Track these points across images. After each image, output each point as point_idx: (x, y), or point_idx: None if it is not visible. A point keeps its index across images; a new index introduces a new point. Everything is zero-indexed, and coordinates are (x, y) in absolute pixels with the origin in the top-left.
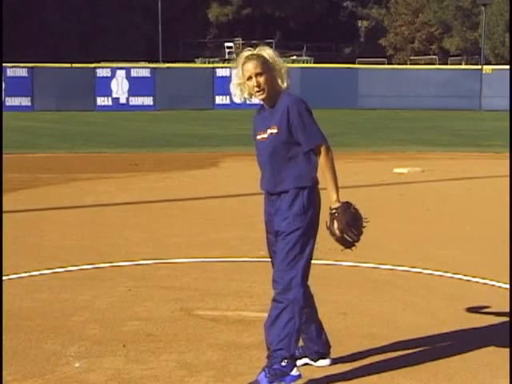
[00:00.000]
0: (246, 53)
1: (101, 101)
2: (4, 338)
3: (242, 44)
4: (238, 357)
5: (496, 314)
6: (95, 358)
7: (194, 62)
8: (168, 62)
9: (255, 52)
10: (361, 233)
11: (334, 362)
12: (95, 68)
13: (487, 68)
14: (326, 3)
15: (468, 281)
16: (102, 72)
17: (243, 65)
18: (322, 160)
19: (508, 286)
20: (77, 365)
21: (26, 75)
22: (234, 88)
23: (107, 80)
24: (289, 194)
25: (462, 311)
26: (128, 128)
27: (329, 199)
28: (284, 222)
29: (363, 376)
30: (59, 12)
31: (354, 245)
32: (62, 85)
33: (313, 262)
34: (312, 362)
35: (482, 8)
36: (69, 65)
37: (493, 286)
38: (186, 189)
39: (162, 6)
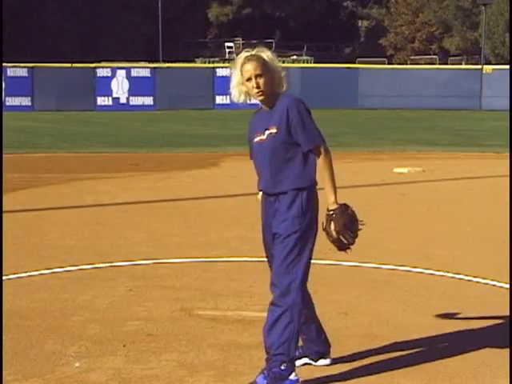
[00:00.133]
0: (245, 54)
1: (101, 101)
2: (4, 338)
3: (242, 44)
4: (238, 357)
5: (496, 314)
6: (95, 357)
7: (194, 61)
8: (168, 62)
9: (254, 53)
10: (356, 235)
11: (334, 361)
12: (95, 68)
13: (487, 68)
14: (326, 3)
15: (468, 281)
16: (102, 72)
17: (242, 66)
18: (320, 161)
19: (508, 285)
20: (77, 365)
21: (26, 75)
22: (231, 89)
23: (107, 80)
24: (287, 196)
25: (462, 311)
26: (128, 128)
27: (326, 200)
28: (282, 224)
29: (363, 376)
30: (59, 12)
31: (349, 247)
32: (62, 85)
33: (313, 261)
34: (312, 362)
35: (482, 8)
36: (69, 65)
37: (493, 286)
38: (185, 189)
39: (162, 5)
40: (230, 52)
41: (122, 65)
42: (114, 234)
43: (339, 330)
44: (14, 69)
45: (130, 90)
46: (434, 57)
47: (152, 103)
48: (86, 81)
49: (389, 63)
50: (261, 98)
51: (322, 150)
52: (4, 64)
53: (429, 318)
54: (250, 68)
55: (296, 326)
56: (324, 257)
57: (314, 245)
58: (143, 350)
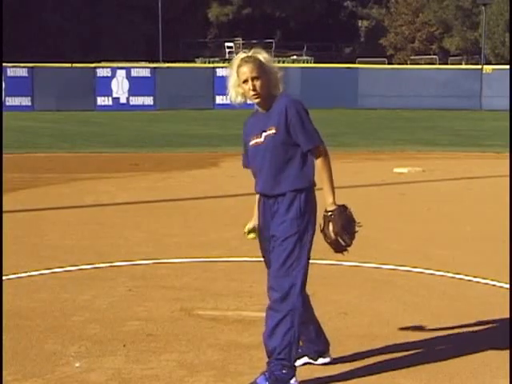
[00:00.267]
0: (242, 55)
1: (101, 101)
2: (4, 338)
3: (243, 44)
4: (238, 357)
5: (496, 314)
6: (95, 357)
7: (194, 61)
8: (168, 62)
9: (251, 54)
10: (354, 237)
11: (334, 361)
12: (95, 68)
13: (487, 68)
14: (326, 3)
15: (468, 281)
16: (103, 72)
17: (239, 67)
18: (319, 162)
19: (508, 285)
20: (77, 365)
21: (26, 75)
22: (228, 90)
23: (107, 80)
24: (286, 198)
25: (462, 311)
26: (128, 128)
27: (324, 201)
28: (281, 227)
29: (363, 376)
30: (59, 12)
31: (346, 249)
32: (62, 85)
33: (313, 261)
34: (312, 361)
35: (482, 8)
36: (69, 65)
37: (493, 286)
38: (185, 189)
39: (162, 5)
40: (229, 52)
41: (122, 65)
42: (114, 234)
43: (339, 330)
44: (14, 69)
45: (130, 90)
46: (434, 57)
47: (152, 103)
48: (86, 81)
49: (389, 63)
50: (257, 100)
51: (321, 150)
52: (4, 64)
53: (429, 317)
54: (247, 70)
55: (297, 331)
56: (324, 257)
57: (311, 246)
58: (143, 350)
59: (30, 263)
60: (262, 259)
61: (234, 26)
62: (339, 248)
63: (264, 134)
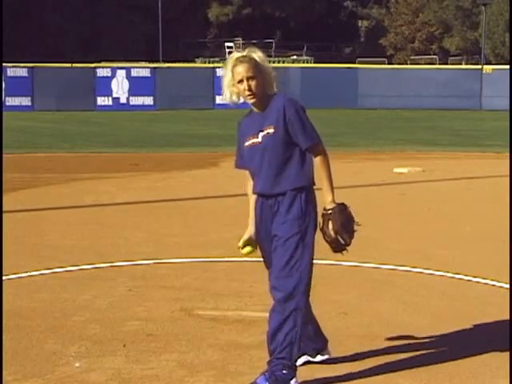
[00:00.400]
0: (237, 54)
1: (101, 101)
2: (4, 338)
3: (243, 44)
4: (238, 357)
5: (496, 314)
6: (95, 357)
7: (194, 61)
8: (168, 62)
9: (245, 54)
10: (353, 236)
11: (334, 361)
12: (95, 68)
13: (487, 68)
14: (326, 3)
15: (468, 281)
16: (103, 72)
17: (234, 67)
18: (318, 160)
19: (508, 285)
20: (77, 365)
21: (26, 75)
22: (223, 89)
23: (107, 80)
24: (286, 197)
25: (462, 311)
26: (128, 128)
27: (323, 199)
28: (282, 226)
29: (363, 376)
30: (59, 12)
31: (345, 248)
32: (62, 85)
33: (313, 261)
34: (310, 358)
35: (482, 8)
36: (69, 65)
37: (493, 286)
38: (185, 189)
39: (162, 5)
40: (229, 52)
41: (122, 65)
42: (114, 234)
43: (339, 330)
44: (14, 69)
45: (130, 90)
46: (434, 57)
47: (152, 103)
48: (86, 81)
49: (389, 63)
50: (252, 100)
51: (320, 149)
52: (4, 64)
53: (429, 318)
54: (242, 70)
55: (299, 331)
56: (324, 257)
57: (314, 246)
58: (143, 350)
59: (30, 263)
60: (263, 260)
61: (233, 25)
62: (339, 247)
63: (261, 134)
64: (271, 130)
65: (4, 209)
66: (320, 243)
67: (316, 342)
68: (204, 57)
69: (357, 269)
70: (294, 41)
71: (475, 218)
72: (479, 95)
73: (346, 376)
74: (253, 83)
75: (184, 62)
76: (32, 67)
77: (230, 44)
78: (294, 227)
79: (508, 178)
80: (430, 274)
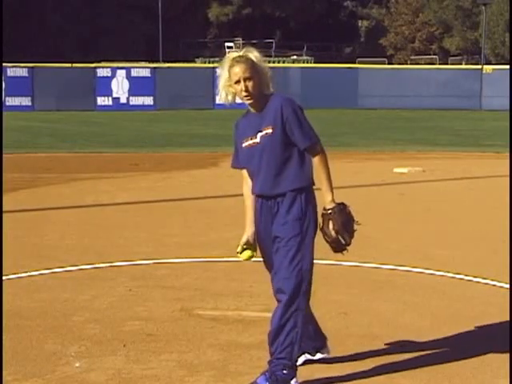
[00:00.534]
0: (233, 54)
1: (101, 101)
2: (4, 338)
3: (243, 44)
4: (238, 357)
5: (496, 314)
6: (95, 357)
7: (194, 61)
8: (168, 62)
9: (242, 54)
10: (353, 236)
11: (334, 361)
12: (95, 68)
13: (487, 68)
14: (326, 3)
15: (468, 281)
16: (103, 72)
17: (231, 67)
18: (316, 160)
19: (508, 285)
20: (77, 364)
21: (27, 75)
22: (219, 90)
23: (107, 80)
24: (286, 198)
25: (462, 311)
26: (128, 128)
27: (323, 199)
28: (283, 227)
29: (363, 376)
30: (59, 12)
31: (345, 248)
32: (62, 85)
33: (314, 261)
34: (310, 357)
35: (483, 8)
36: (69, 65)
37: (493, 286)
38: (186, 189)
39: (162, 5)
40: (229, 52)
41: (122, 65)
42: (114, 234)
43: (339, 330)
44: (14, 69)
45: (130, 90)
46: (434, 57)
47: (152, 103)
48: (86, 81)
49: (389, 63)
50: (249, 101)
51: (319, 148)
52: (4, 64)
53: (429, 318)
54: (239, 71)
55: (299, 332)
56: (324, 257)
57: (314, 246)
58: (143, 350)
59: (29, 263)
60: (263, 262)
61: (234, 25)
62: (339, 247)
63: (259, 135)
64: (269, 131)
65: (4, 209)
66: (320, 243)
67: (315, 340)
68: (204, 57)
69: (357, 269)
70: (294, 41)
71: (475, 218)
72: (479, 95)
73: (346, 376)
74: (250, 84)
75: (184, 61)
76: (32, 67)
77: (230, 44)
78: (295, 228)
79: (508, 178)
80: (431, 274)
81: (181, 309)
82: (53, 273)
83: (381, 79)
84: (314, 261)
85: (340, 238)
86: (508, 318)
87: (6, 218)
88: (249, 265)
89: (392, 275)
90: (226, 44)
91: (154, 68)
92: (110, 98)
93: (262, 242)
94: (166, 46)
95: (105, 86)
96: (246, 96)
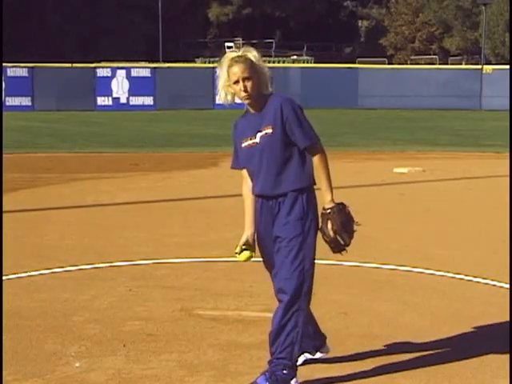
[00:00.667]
0: (232, 54)
1: (101, 101)
2: (4, 338)
3: (243, 44)
4: (238, 356)
5: (496, 314)
6: (95, 357)
7: (194, 61)
8: (168, 62)
9: (241, 54)
10: (352, 236)
11: (334, 361)
12: (95, 68)
13: (487, 68)
14: (326, 3)
15: (468, 281)
16: (103, 72)
17: (229, 67)
18: (316, 159)
19: (508, 285)
20: (77, 364)
21: (27, 75)
22: (218, 90)
23: (107, 80)
24: (287, 199)
25: (462, 311)
26: (128, 128)
27: (322, 199)
28: (284, 228)
29: (363, 376)
30: (59, 12)
31: (344, 249)
32: (62, 85)
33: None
34: (310, 356)
35: (483, 8)
36: (69, 65)
37: (493, 286)
38: (186, 189)
39: (162, 5)
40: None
41: (122, 65)
42: (114, 234)
43: (339, 330)
44: (14, 69)
45: (130, 90)
46: (434, 57)
47: (152, 103)
48: (86, 81)
49: (389, 63)
50: (248, 101)
51: (318, 148)
52: (4, 64)
53: (429, 318)
54: (238, 71)
55: (300, 332)
56: (324, 257)
57: (315, 246)
58: (143, 350)
59: (29, 263)
60: (263, 262)
61: (234, 26)
62: (338, 247)
63: (259, 135)
64: (269, 131)
65: (4, 209)
66: (320, 243)
67: (315, 339)
68: (204, 57)
69: (357, 269)
70: (294, 41)
71: (475, 218)
72: (479, 95)
73: (346, 376)
74: (249, 84)
75: (184, 62)
76: (32, 67)
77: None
78: (297, 228)
79: (508, 178)
80: (431, 274)
81: (181, 309)
82: (53, 273)
83: (381, 79)
84: (315, 261)
85: (339, 238)
86: (508, 318)
87: (6, 218)
88: (249, 265)
89: (392, 275)
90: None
91: (154, 68)
92: (110, 98)
93: (262, 243)
94: (166, 45)
95: (105, 86)
96: (244, 96)
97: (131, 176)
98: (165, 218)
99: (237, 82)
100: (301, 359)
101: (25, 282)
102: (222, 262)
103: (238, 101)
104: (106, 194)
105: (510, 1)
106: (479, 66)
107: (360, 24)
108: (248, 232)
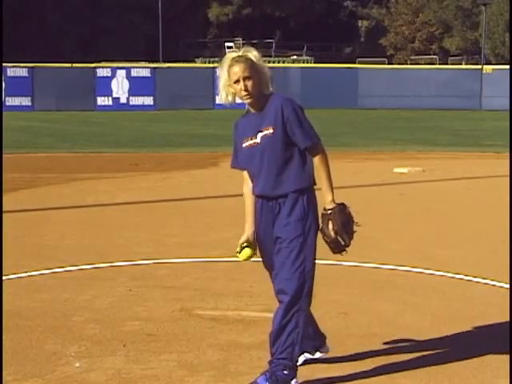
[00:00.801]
0: (233, 54)
1: (101, 101)
2: (4, 338)
3: (243, 44)
4: (238, 357)
5: (496, 314)
6: (95, 357)
7: (194, 61)
8: (168, 62)
9: (241, 54)
10: (352, 237)
11: (334, 361)
12: (95, 68)
13: (487, 68)
14: (326, 3)
15: (468, 281)
16: (103, 72)
17: (230, 67)
18: (317, 159)
19: (508, 285)
20: (77, 365)
21: (26, 75)
22: (219, 90)
23: (107, 80)
24: (288, 199)
25: (462, 311)
26: (128, 128)
27: (323, 199)
28: (285, 228)
29: (363, 376)
30: (59, 12)
31: (344, 249)
32: (62, 85)
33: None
34: (310, 356)
35: (483, 8)
36: (69, 65)
37: (493, 286)
38: (186, 189)
39: (162, 5)
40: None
41: (122, 65)
42: (114, 234)
43: (339, 330)
44: (14, 69)
45: (130, 90)
46: (434, 57)
47: (152, 103)
48: (86, 81)
49: (389, 63)
50: (249, 101)
51: (319, 148)
52: (4, 64)
53: (429, 318)
54: (238, 70)
55: (301, 332)
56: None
57: (316, 246)
58: (143, 350)
59: (29, 263)
60: (264, 263)
61: (234, 26)
62: (338, 248)
63: (260, 135)
64: (270, 131)
65: (4, 209)
66: (320, 243)
67: (315, 339)
68: (204, 57)
69: (357, 269)
70: (294, 41)
71: (475, 218)
72: (479, 95)
73: (346, 376)
74: (249, 83)
75: (184, 61)
76: (32, 67)
77: (230, 44)
78: (298, 229)
79: (508, 178)
80: (431, 274)
81: (181, 309)
82: (53, 273)
83: (381, 79)
84: (315, 261)
85: (339, 238)
86: (508, 318)
87: (6, 218)
88: (249, 265)
89: (392, 275)
90: (226, 44)
91: (154, 68)
92: (110, 98)
93: (262, 243)
94: (166, 45)
95: (105, 86)
96: (245, 95)
97: (131, 176)
98: (165, 218)
99: (237, 81)
100: (301, 359)
101: (25, 282)
102: (222, 262)
103: (238, 101)
104: (105, 194)
105: (510, 1)
106: (479, 66)
107: (360, 24)
108: (248, 231)
